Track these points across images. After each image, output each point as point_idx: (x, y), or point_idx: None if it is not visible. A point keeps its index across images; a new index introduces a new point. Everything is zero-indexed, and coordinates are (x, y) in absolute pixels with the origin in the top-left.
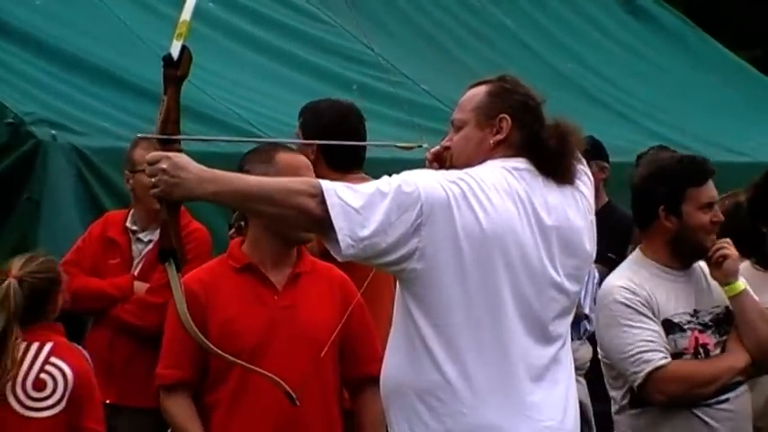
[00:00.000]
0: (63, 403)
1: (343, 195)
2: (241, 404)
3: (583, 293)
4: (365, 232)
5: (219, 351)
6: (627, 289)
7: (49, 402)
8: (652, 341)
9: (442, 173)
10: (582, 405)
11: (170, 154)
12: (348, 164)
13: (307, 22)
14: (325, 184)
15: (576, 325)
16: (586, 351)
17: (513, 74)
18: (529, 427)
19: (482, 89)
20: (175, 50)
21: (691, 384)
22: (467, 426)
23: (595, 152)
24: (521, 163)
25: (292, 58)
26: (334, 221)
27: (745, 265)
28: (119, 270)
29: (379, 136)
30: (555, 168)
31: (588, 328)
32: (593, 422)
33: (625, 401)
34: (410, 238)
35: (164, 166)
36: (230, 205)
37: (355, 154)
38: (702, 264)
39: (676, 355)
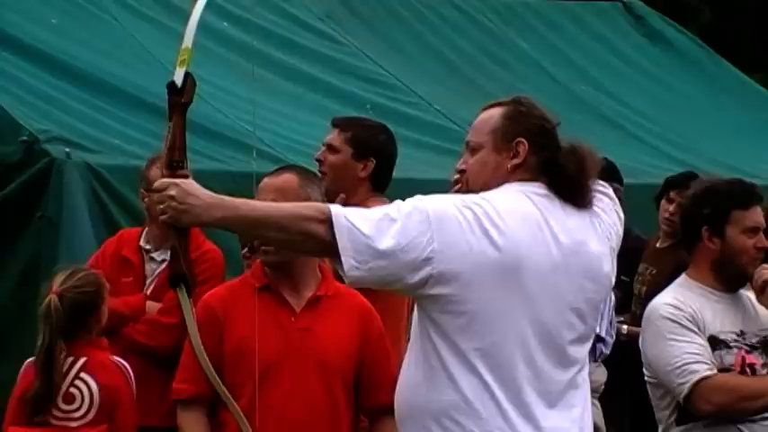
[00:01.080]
0: (89, 417)
1: (351, 218)
2: (251, 421)
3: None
4: (370, 254)
5: (224, 390)
6: (672, 305)
7: (77, 415)
8: (698, 353)
9: (458, 197)
10: (596, 428)
11: (178, 180)
12: (385, 187)
13: (321, 42)
14: (335, 209)
15: (591, 348)
16: (601, 374)
17: (527, 96)
18: None
19: (497, 111)
20: (179, 77)
21: (738, 396)
22: None
23: (609, 174)
24: (538, 188)
25: (307, 77)
26: (338, 243)
27: None
28: (132, 289)
29: None
30: (573, 194)
31: (604, 350)
32: None
33: (671, 419)
34: (422, 265)
35: (172, 192)
36: (238, 231)
37: (388, 182)
38: (749, 293)
39: (723, 370)
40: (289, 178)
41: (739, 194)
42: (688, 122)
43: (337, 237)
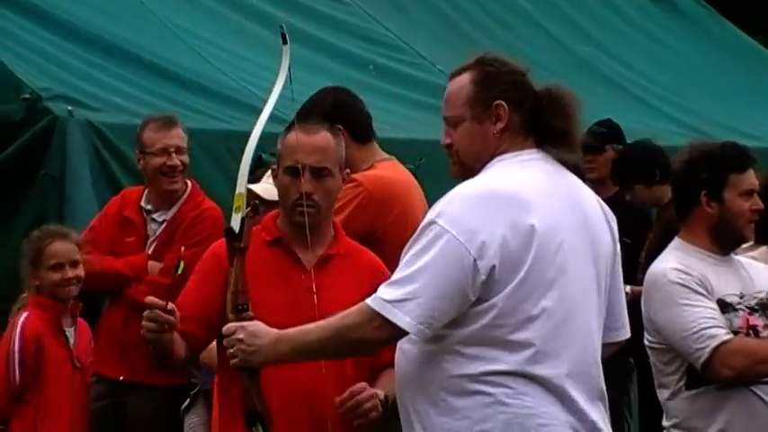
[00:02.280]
0: None
1: (389, 296)
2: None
3: None
4: (426, 306)
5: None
6: (679, 270)
7: None
8: (713, 318)
9: (471, 189)
10: None
11: (244, 324)
12: (367, 136)
13: (324, 2)
14: (371, 302)
15: None
16: None
17: (491, 52)
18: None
19: (466, 79)
20: (236, 223)
21: (756, 359)
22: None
23: (612, 135)
24: (533, 153)
25: (310, 37)
26: (399, 324)
27: (761, 251)
28: (134, 248)
29: (396, 116)
30: (563, 145)
31: None
32: None
33: (680, 384)
34: (473, 274)
35: (240, 336)
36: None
37: (369, 126)
38: (739, 257)
39: (732, 333)
40: (325, 136)
41: (735, 158)
42: (690, 84)
43: (394, 321)
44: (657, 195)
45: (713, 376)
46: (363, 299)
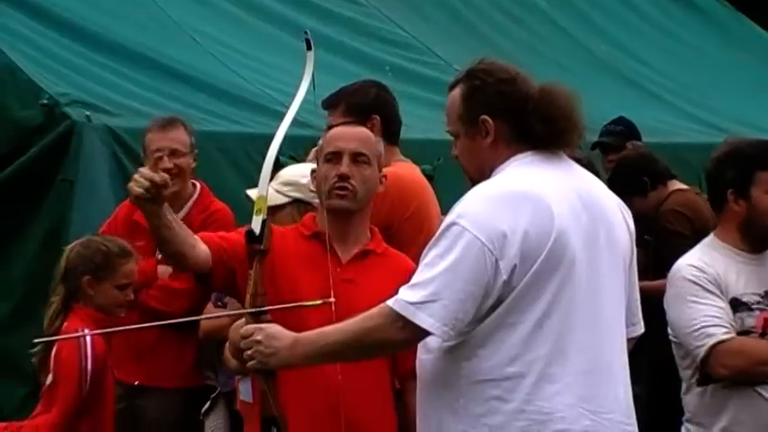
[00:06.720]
0: (47, 382)
1: (414, 299)
2: (289, 381)
3: None
4: (451, 308)
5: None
6: (695, 267)
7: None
8: (717, 317)
9: (485, 191)
10: None
11: (263, 326)
12: (395, 138)
13: (339, 3)
14: (393, 304)
15: None
16: None
17: (483, 59)
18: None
19: (457, 93)
20: (257, 226)
21: (754, 360)
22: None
23: (630, 132)
24: (530, 156)
25: (325, 38)
26: (423, 326)
27: None
28: (144, 252)
29: (412, 117)
30: (554, 146)
31: None
32: None
33: (693, 380)
34: (493, 272)
35: (258, 337)
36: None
37: (399, 130)
38: None
39: (743, 332)
40: (365, 130)
41: (762, 155)
42: (709, 81)
43: (417, 323)
44: (655, 201)
45: (711, 374)
46: None
